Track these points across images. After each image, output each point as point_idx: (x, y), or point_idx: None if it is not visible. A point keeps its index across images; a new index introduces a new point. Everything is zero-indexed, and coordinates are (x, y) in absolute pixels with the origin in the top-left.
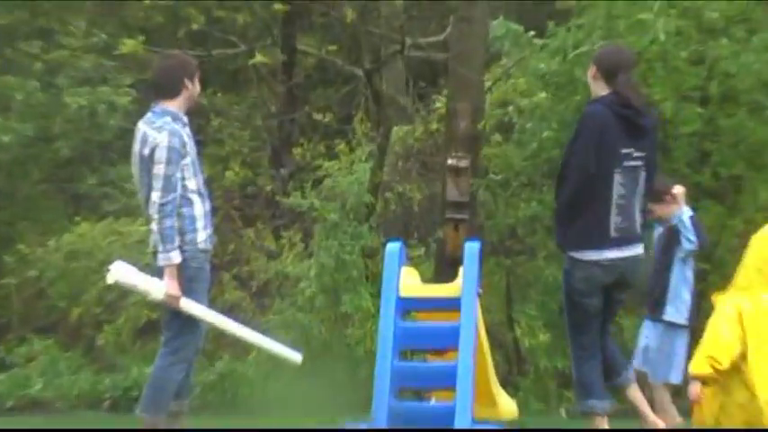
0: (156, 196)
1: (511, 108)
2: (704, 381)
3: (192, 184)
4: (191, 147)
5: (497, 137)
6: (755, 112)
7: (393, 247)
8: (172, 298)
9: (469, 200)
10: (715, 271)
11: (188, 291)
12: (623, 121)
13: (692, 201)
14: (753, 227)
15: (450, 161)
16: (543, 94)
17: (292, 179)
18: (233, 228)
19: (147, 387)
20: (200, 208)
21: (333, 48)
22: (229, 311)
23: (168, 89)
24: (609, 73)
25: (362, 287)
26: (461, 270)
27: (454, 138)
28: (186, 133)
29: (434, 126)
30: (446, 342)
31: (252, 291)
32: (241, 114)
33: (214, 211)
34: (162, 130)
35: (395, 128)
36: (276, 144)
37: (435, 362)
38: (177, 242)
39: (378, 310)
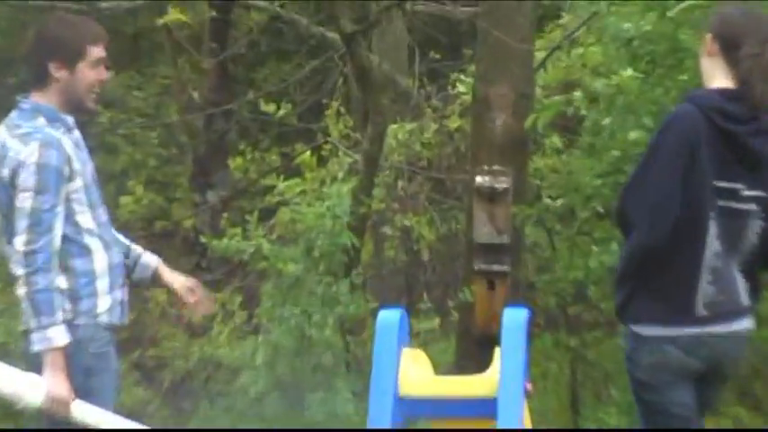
0: (20, 242)
1: (577, 94)
2: None
3: (86, 220)
4: (82, 162)
5: (555, 140)
6: None
7: (389, 317)
8: (57, 402)
9: (511, 241)
10: None
11: (84, 390)
12: (727, 138)
13: None
14: None
15: (479, 179)
16: (629, 72)
17: (227, 209)
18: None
19: None
20: (101, 258)
21: None
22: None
23: (31, 75)
24: (729, 49)
25: (340, 381)
26: (498, 353)
27: (486, 141)
28: (73, 141)
29: (455, 123)
30: None
31: (163, 387)
32: (146, 104)
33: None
34: (30, 140)
35: (392, 126)
36: (201, 152)
37: None
38: (62, 313)
39: (365, 418)
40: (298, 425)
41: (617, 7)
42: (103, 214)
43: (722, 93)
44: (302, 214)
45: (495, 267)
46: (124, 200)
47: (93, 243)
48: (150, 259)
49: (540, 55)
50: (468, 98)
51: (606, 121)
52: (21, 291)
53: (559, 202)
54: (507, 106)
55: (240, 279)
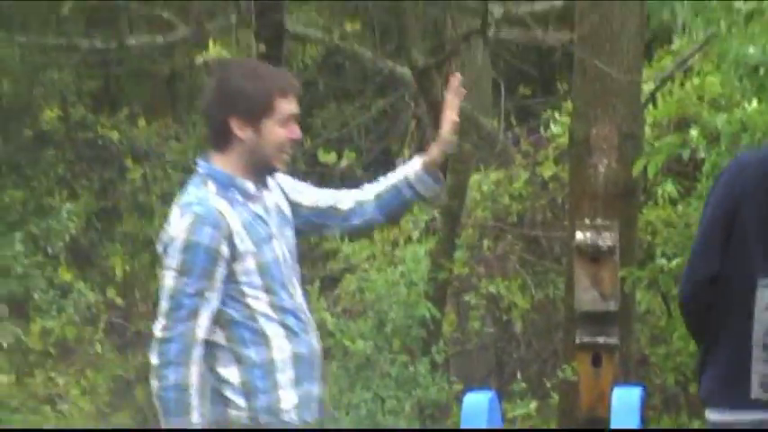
0: (157, 327)
1: (694, 132)
2: None
3: (260, 305)
4: (259, 238)
5: (669, 187)
6: None
7: (476, 401)
8: None
9: (620, 309)
10: None
11: None
12: None
13: None
14: None
15: (580, 236)
16: (755, 104)
17: None
18: None
19: None
20: (283, 347)
21: (353, 27)
22: None
23: (211, 136)
24: None
25: None
26: None
27: (587, 190)
28: (250, 214)
29: (549, 171)
30: None
31: None
32: (183, 157)
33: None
34: (186, 212)
35: (475, 176)
36: None
37: None
38: (197, 416)
39: None
40: None
41: (739, 28)
42: (294, 297)
43: None
44: (371, 282)
45: (602, 340)
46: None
47: (271, 329)
48: (411, 170)
49: (648, 87)
50: (564, 141)
51: (729, 162)
52: (152, 384)
53: (676, 260)
54: (611, 149)
55: None
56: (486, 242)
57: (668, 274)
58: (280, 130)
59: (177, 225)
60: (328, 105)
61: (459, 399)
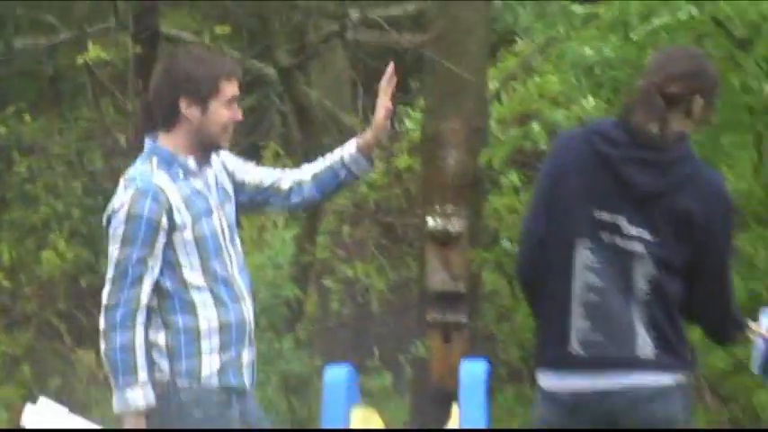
0: (104, 294)
1: (535, 126)
2: None
3: (193, 276)
4: (197, 212)
5: (513, 177)
6: None
7: (336, 375)
8: None
9: (468, 289)
10: None
11: None
12: (605, 166)
13: None
14: None
15: (431, 222)
16: (591, 101)
17: None
18: (56, 349)
19: None
20: (209, 316)
21: (223, 30)
22: None
23: (159, 116)
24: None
25: None
26: (456, 410)
27: (438, 180)
28: (191, 189)
29: (403, 162)
30: None
31: None
32: (67, 151)
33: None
34: (129, 187)
35: None
36: None
37: None
38: (143, 375)
39: None
40: None
41: (576, 31)
42: (227, 268)
43: (614, 121)
44: None
45: (451, 318)
46: (46, 255)
47: (200, 299)
48: (346, 152)
49: (493, 86)
50: (417, 135)
51: None
52: (101, 346)
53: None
54: (460, 142)
55: None
56: (345, 228)
57: (512, 257)
58: (224, 110)
59: (120, 198)
60: None
61: (320, 372)
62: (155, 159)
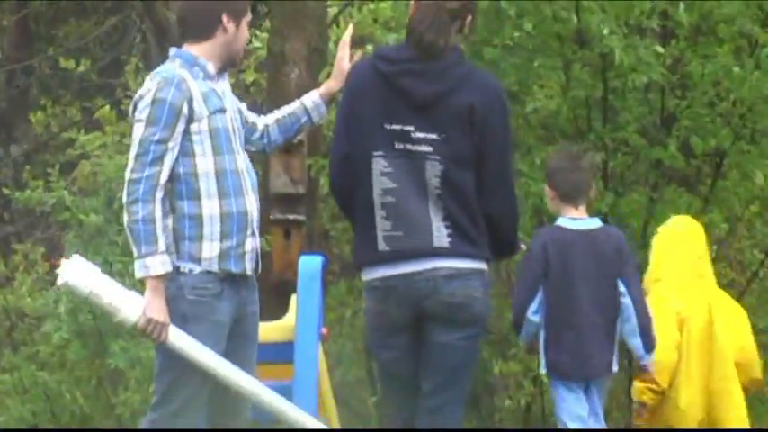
0: (126, 171)
1: (370, 48)
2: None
3: (204, 163)
4: (213, 108)
5: None
6: (745, 51)
7: (312, 262)
8: (152, 324)
9: (307, 191)
10: None
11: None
12: (385, 80)
13: (651, 187)
14: (740, 226)
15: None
16: None
17: (29, 162)
18: None
19: None
20: (212, 205)
21: None
22: None
23: (196, 28)
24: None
25: None
26: (294, 300)
27: (282, 95)
28: (208, 88)
29: (251, 77)
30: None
31: None
32: None
33: None
34: (156, 77)
35: None
36: (3, 107)
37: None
38: (162, 244)
39: None
40: (101, 371)
41: None
42: (235, 162)
43: (399, 44)
44: (103, 166)
45: (291, 217)
46: None
47: (206, 188)
48: (308, 99)
49: (333, 11)
50: (263, 53)
51: None
52: (124, 219)
53: None
54: (301, 60)
55: (42, 230)
56: None
57: None
58: (247, 30)
59: (147, 85)
60: (69, 21)
61: None
62: (178, 61)
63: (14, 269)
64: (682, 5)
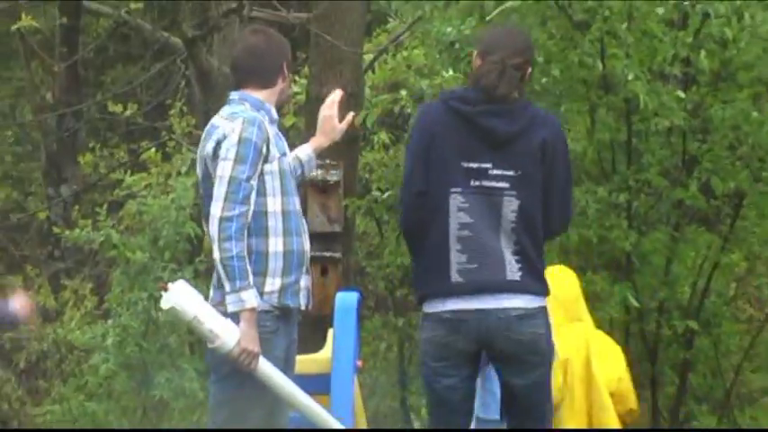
0: (217, 208)
1: (404, 93)
2: None
3: (273, 203)
4: (281, 150)
5: (383, 136)
6: (763, 96)
7: (348, 298)
8: (245, 353)
9: (343, 230)
10: (705, 331)
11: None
12: (465, 123)
13: (673, 226)
14: (759, 264)
15: (312, 172)
16: (451, 73)
17: (78, 202)
18: None
19: None
20: (277, 243)
21: (137, 5)
22: None
23: (259, 75)
24: (483, 55)
25: (185, 361)
26: (331, 334)
27: None
28: (274, 133)
29: (290, 121)
30: None
31: (18, 369)
32: (1, 105)
33: None
34: (235, 118)
35: None
36: (54, 149)
37: None
38: (251, 278)
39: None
40: (146, 401)
41: (439, 12)
42: (296, 204)
43: (465, 87)
44: (148, 206)
45: (328, 254)
46: None
47: (273, 226)
48: (303, 153)
49: (368, 58)
50: (302, 98)
51: None
52: (215, 256)
53: (387, 193)
54: (339, 105)
55: (91, 267)
56: None
57: (381, 204)
58: (285, 84)
59: (229, 126)
60: (116, 66)
61: None
62: (247, 104)
63: (64, 304)
64: (703, 53)
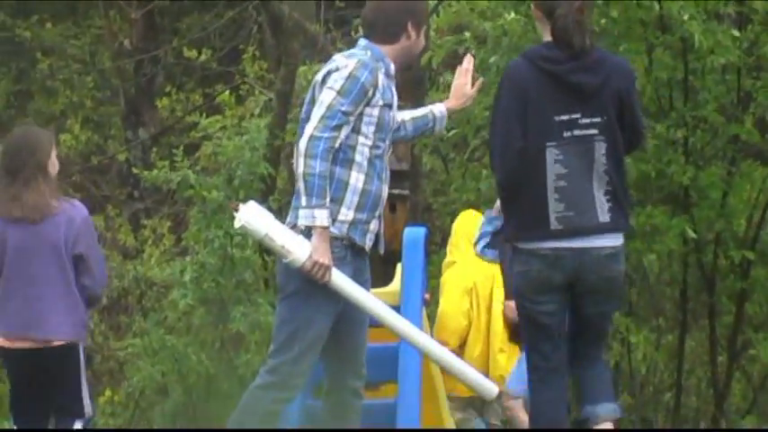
0: (310, 127)
1: (467, 35)
2: None
3: (364, 141)
4: (386, 100)
5: (448, 77)
6: None
7: (416, 233)
8: (317, 266)
9: (411, 168)
10: (762, 261)
11: (302, 292)
12: (555, 81)
13: (729, 161)
14: None
15: None
16: (513, 15)
17: (156, 144)
18: None
19: (235, 411)
20: (358, 178)
21: None
22: None
23: (384, 31)
24: (548, 11)
25: (260, 296)
26: (400, 268)
27: None
28: (386, 84)
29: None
30: (381, 372)
31: (101, 305)
32: (81, 52)
33: None
34: (353, 57)
35: (302, 67)
36: (132, 94)
37: (368, 401)
38: (328, 199)
39: None
40: (223, 334)
41: None
42: (385, 152)
43: (546, 45)
44: (223, 147)
45: (397, 191)
46: (63, 137)
47: (359, 162)
48: (437, 110)
49: (432, 2)
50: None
51: (493, 59)
52: (299, 171)
53: (452, 131)
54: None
55: (169, 206)
56: None
57: (447, 142)
58: (423, 38)
59: (344, 61)
60: (191, 13)
61: None
62: (369, 53)
63: (144, 242)
64: None
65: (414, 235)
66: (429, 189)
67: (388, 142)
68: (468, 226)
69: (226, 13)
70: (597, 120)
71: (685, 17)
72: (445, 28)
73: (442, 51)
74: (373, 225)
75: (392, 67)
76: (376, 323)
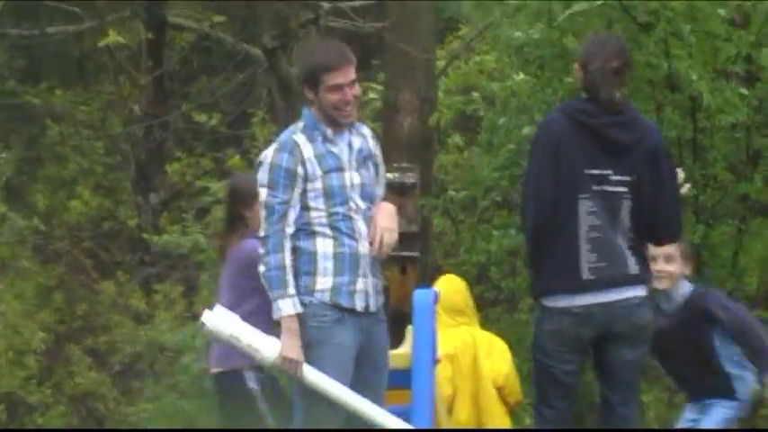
0: (260, 229)
1: (475, 96)
2: None
3: (318, 216)
4: (326, 167)
5: (457, 138)
6: None
7: (426, 295)
8: (287, 361)
9: (420, 229)
10: None
11: (307, 361)
12: (589, 134)
13: (739, 219)
14: None
15: (390, 176)
16: (522, 76)
17: (167, 209)
18: (82, 280)
19: None
20: (326, 244)
21: (219, 19)
22: (81, 401)
23: (303, 91)
24: (583, 65)
25: None
26: (410, 330)
27: (395, 141)
28: (326, 150)
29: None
30: None
31: (113, 370)
32: (91, 118)
33: (57, 257)
34: (274, 144)
35: None
36: (142, 159)
37: None
38: (292, 289)
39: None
40: None
41: (508, 18)
42: (351, 211)
43: (582, 99)
44: None
45: (407, 253)
46: (74, 204)
47: (320, 231)
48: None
49: (441, 63)
50: (378, 104)
51: (502, 120)
52: (260, 269)
53: (462, 193)
54: (413, 110)
55: (180, 271)
56: None
57: (457, 204)
58: (329, 95)
59: (265, 153)
60: (200, 78)
61: None
62: (301, 124)
63: (155, 307)
64: (765, 50)
65: (424, 297)
66: (439, 251)
67: (353, 203)
68: (446, 292)
69: (235, 76)
70: (627, 178)
71: (694, 76)
72: (454, 89)
73: (450, 112)
74: (360, 285)
75: (328, 131)
76: (389, 386)
